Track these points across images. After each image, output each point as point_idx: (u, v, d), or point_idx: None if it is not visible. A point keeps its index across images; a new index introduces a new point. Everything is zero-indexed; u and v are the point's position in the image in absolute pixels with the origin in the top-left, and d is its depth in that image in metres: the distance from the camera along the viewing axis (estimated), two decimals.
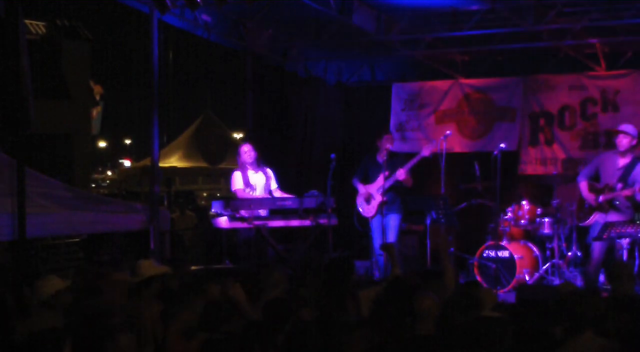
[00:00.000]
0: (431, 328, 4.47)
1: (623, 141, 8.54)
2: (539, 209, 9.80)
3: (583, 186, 8.73)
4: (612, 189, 8.49)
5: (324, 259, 7.89)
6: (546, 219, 9.64)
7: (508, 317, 4.39)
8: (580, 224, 8.93)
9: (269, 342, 4.24)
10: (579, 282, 8.86)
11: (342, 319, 4.47)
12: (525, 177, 11.52)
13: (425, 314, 4.51)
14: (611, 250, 8.49)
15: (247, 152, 9.13)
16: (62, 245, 9.12)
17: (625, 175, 8.47)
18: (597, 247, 8.52)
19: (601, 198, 8.53)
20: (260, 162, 9.23)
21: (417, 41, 10.88)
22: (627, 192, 8.35)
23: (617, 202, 8.47)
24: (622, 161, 8.56)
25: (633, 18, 9.34)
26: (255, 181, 9.16)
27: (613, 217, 8.48)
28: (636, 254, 8.82)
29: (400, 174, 9.25)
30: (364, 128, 12.20)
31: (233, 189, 9.18)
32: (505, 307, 5.10)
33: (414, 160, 9.44)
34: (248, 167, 9.14)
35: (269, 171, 9.28)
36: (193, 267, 9.40)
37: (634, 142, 8.59)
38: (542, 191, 11.04)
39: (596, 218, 8.61)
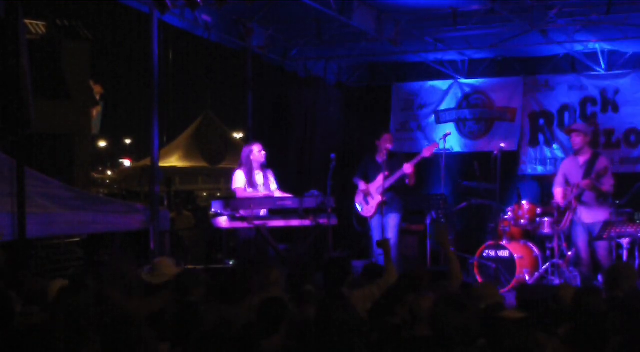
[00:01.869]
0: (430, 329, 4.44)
1: (576, 139, 8.83)
2: (539, 209, 9.80)
3: (557, 192, 8.97)
4: (579, 186, 8.59)
5: (324, 259, 7.90)
6: (546, 219, 9.63)
7: (533, 319, 4.30)
8: (560, 227, 9.01)
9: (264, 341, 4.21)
10: (579, 282, 8.87)
11: (341, 318, 4.45)
12: (525, 177, 11.54)
13: (424, 315, 4.49)
14: (594, 249, 8.57)
15: (260, 151, 9.11)
16: (62, 245, 9.11)
17: (588, 171, 8.65)
18: (582, 248, 8.64)
19: (570, 197, 8.62)
20: (264, 163, 9.24)
21: (417, 41, 10.88)
22: (585, 183, 8.49)
23: (583, 198, 8.60)
24: (582, 159, 8.80)
25: (633, 18, 9.34)
26: (258, 181, 9.16)
27: (582, 212, 8.64)
28: (636, 253, 8.84)
29: (407, 167, 9.29)
30: (364, 128, 12.21)
31: (233, 188, 9.17)
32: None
33: (415, 161, 9.46)
34: (255, 166, 9.11)
35: (270, 172, 9.29)
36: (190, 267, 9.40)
37: (588, 138, 8.88)
38: (542, 191, 11.05)
39: (569, 218, 8.72)
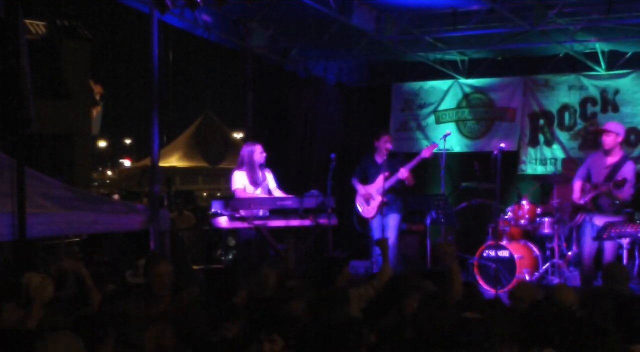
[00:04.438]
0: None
1: (607, 140, 8.50)
2: (539, 209, 9.81)
3: (576, 186, 8.72)
4: (598, 188, 8.45)
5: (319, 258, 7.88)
6: (546, 219, 9.65)
7: (487, 318, 4.27)
8: (572, 225, 8.94)
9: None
10: (578, 281, 8.86)
11: (336, 318, 4.44)
12: (525, 177, 11.53)
13: (409, 316, 4.46)
14: (601, 250, 8.47)
15: (262, 153, 9.08)
16: (62, 245, 9.10)
17: (612, 173, 8.39)
18: (587, 247, 8.52)
19: (586, 197, 8.52)
20: (263, 164, 9.22)
21: (417, 41, 10.88)
22: (603, 189, 8.32)
23: (599, 201, 8.46)
24: (610, 160, 8.52)
25: (633, 18, 9.34)
26: (259, 181, 9.15)
27: (596, 217, 8.44)
28: (636, 254, 8.83)
29: (403, 173, 9.29)
30: (364, 128, 12.21)
31: (233, 189, 9.15)
32: (504, 307, 5.07)
33: (414, 162, 9.46)
34: (256, 167, 9.08)
35: (269, 171, 9.27)
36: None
37: (619, 139, 8.55)
38: (542, 191, 11.05)
39: (582, 217, 8.59)
